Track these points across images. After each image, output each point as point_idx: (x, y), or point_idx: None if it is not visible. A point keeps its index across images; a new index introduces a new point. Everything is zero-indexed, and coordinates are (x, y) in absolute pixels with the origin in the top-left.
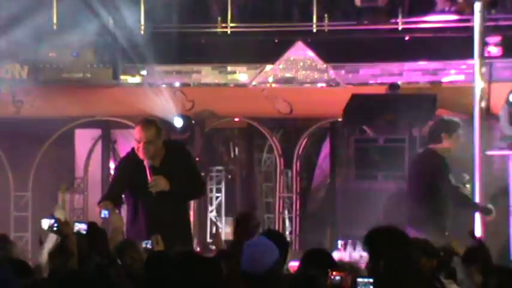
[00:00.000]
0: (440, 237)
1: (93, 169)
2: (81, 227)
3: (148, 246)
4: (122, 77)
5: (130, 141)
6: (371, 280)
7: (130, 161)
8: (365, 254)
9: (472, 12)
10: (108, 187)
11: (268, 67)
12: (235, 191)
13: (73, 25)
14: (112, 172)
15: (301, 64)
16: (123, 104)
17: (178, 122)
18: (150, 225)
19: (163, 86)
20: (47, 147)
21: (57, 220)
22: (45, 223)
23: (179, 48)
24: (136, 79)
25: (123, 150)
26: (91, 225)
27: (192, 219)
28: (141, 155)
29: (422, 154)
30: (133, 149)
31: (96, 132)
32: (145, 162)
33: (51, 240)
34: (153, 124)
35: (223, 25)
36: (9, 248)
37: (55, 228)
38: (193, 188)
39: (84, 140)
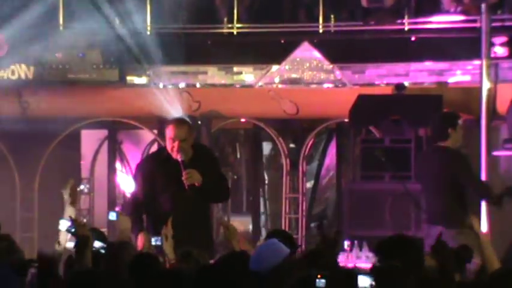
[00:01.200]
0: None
1: (99, 170)
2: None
3: (158, 242)
4: (128, 78)
5: (136, 142)
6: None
7: (152, 162)
8: (371, 255)
9: (478, 13)
10: (134, 191)
11: (275, 68)
12: (242, 191)
13: (79, 25)
14: (132, 176)
15: (308, 65)
16: (129, 104)
17: None
18: (174, 223)
19: (170, 86)
20: (53, 148)
21: (73, 222)
22: (63, 225)
23: (185, 48)
24: (143, 80)
25: (129, 151)
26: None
27: None
28: (175, 153)
29: (437, 151)
30: (159, 149)
31: (102, 133)
32: (179, 158)
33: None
34: (186, 122)
35: (230, 26)
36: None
37: (72, 230)
38: (221, 189)
39: (90, 140)
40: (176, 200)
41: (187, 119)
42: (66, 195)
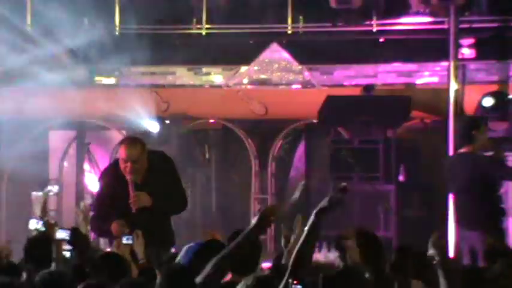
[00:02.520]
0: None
1: (67, 171)
2: (63, 233)
3: (129, 241)
4: (97, 78)
5: (104, 142)
6: None
7: (112, 176)
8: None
9: (446, 15)
10: (97, 207)
11: (243, 68)
12: (211, 192)
13: (48, 26)
14: (95, 188)
15: (276, 65)
16: (97, 105)
17: (153, 126)
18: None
19: (138, 87)
20: (21, 148)
21: (45, 222)
22: (33, 224)
23: (154, 49)
24: (111, 80)
25: (97, 152)
26: (74, 231)
27: None
28: (127, 174)
29: (468, 156)
30: (114, 163)
31: (71, 134)
32: (128, 178)
33: None
34: (138, 142)
35: (198, 26)
36: None
37: (42, 230)
38: (176, 203)
39: (59, 141)
40: (131, 219)
41: (140, 138)
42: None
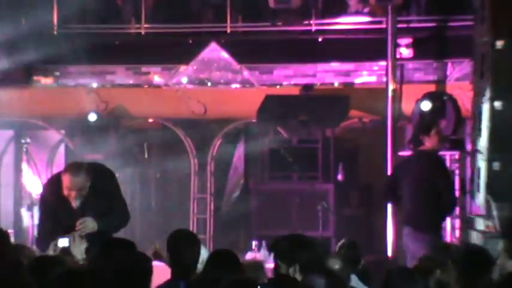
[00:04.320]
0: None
1: (5, 170)
2: None
3: (65, 244)
4: (35, 78)
5: (43, 142)
6: None
7: (54, 196)
8: None
9: (384, 14)
10: (42, 225)
11: (182, 68)
12: (150, 192)
13: None
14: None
15: (215, 65)
16: (36, 105)
17: (92, 117)
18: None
19: (77, 86)
20: None
21: None
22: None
23: (93, 48)
24: (50, 80)
25: (35, 152)
26: None
27: None
28: (72, 200)
29: (416, 156)
30: (55, 180)
31: (9, 134)
32: (73, 204)
33: None
34: (82, 170)
35: (137, 26)
36: None
37: None
38: (119, 222)
39: None
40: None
41: (83, 163)
42: None
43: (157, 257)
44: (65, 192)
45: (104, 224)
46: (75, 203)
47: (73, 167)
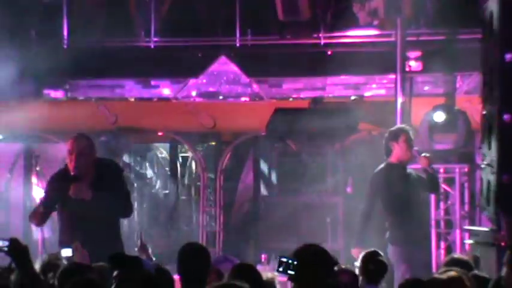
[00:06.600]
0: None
1: (15, 184)
2: (2, 244)
3: (69, 254)
4: (45, 91)
5: (53, 156)
6: None
7: (62, 175)
8: None
9: (393, 27)
10: (41, 199)
11: (192, 81)
12: (159, 204)
13: None
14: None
15: (225, 78)
16: (45, 118)
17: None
18: (76, 235)
19: (87, 100)
20: None
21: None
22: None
23: (103, 62)
24: (60, 93)
25: (45, 166)
26: (12, 242)
27: None
28: (71, 166)
29: (382, 168)
30: (66, 164)
31: (19, 147)
32: (72, 172)
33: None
34: (85, 137)
35: (147, 39)
36: None
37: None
38: (123, 206)
39: (6, 155)
40: (78, 214)
41: (89, 136)
42: None
43: (143, 251)
44: (67, 159)
45: (105, 205)
46: (73, 168)
47: (78, 134)
